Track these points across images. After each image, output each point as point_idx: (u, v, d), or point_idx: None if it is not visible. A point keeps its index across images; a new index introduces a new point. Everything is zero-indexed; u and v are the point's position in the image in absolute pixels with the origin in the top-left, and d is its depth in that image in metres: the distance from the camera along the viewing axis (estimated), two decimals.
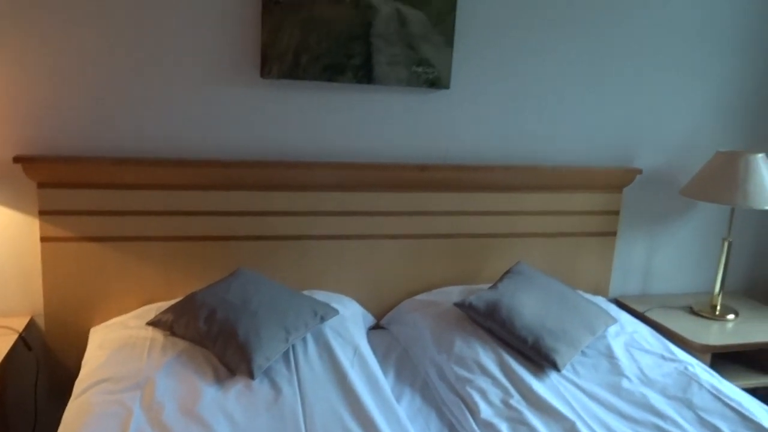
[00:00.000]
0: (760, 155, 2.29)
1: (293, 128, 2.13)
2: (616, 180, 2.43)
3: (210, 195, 2.06)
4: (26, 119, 1.92)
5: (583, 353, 1.96)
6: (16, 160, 1.88)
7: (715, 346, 2.20)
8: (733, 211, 2.39)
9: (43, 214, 1.95)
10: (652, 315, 2.39)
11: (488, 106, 2.29)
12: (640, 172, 2.43)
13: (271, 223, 2.13)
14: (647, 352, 2.02)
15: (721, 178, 2.29)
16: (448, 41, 2.15)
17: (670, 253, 2.63)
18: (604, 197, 2.43)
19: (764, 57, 2.54)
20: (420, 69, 2.15)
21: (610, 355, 1.97)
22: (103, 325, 1.97)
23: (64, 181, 1.94)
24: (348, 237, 2.20)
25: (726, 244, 2.41)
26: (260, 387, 1.63)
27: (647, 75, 2.42)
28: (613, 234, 2.47)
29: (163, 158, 2.03)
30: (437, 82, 2.17)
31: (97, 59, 1.94)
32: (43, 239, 1.95)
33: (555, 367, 1.83)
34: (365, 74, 2.10)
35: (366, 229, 2.22)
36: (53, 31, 1.89)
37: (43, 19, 1.88)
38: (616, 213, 2.46)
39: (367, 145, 2.21)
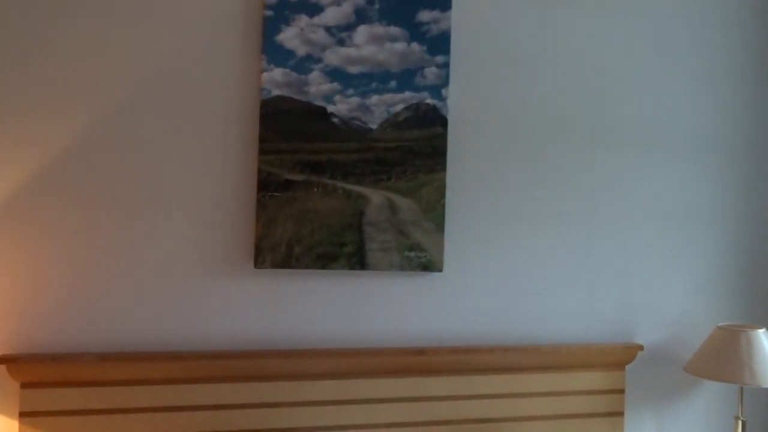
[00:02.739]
0: (761, 330, 2.25)
1: (287, 317, 2.12)
2: (618, 357, 2.37)
3: (200, 388, 1.99)
4: (9, 317, 1.90)
5: None
6: (0, 360, 1.83)
7: None
8: (742, 389, 2.31)
9: (23, 416, 1.86)
10: None
11: (483, 287, 2.29)
12: (641, 348, 2.38)
13: (264, 416, 2.04)
14: None
15: (724, 356, 2.24)
16: (439, 227, 2.19)
17: None
18: (607, 376, 2.36)
19: (759, 231, 2.59)
20: (412, 254, 2.17)
21: None
22: None
23: (48, 380, 1.88)
24: (344, 428, 2.10)
25: (740, 424, 2.30)
26: None
27: (641, 250, 2.45)
28: (621, 414, 2.37)
29: (152, 352, 1.98)
30: (430, 265, 2.19)
31: (84, 252, 1.96)
32: None
33: None
34: (358, 261, 2.12)
35: (363, 419, 2.12)
36: (36, 227, 1.93)
37: (26, 215, 1.92)
38: (621, 392, 2.37)
39: (362, 330, 2.18)
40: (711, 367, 2.26)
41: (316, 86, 2.09)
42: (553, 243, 2.36)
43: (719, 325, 2.35)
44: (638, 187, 2.46)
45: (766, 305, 2.60)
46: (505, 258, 2.31)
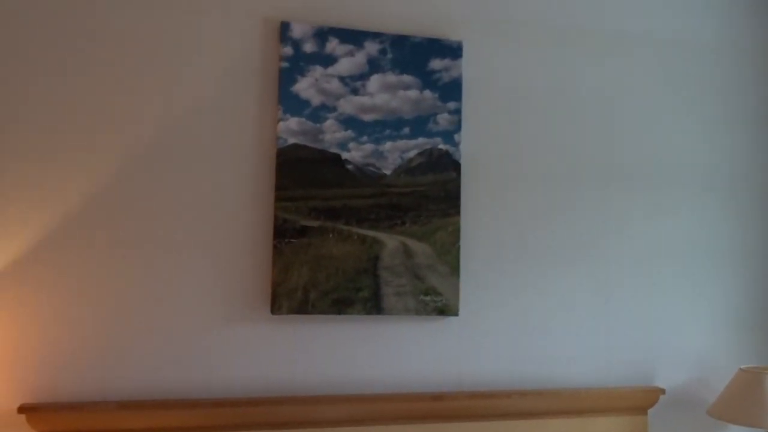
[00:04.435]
0: None
1: (303, 362, 2.12)
2: (639, 401, 2.33)
3: None
4: (29, 365, 1.93)
5: None
6: (21, 410, 1.85)
7: None
8: None
9: None
10: None
11: (499, 330, 2.28)
12: (663, 392, 2.34)
13: None
14: None
15: (748, 399, 2.19)
16: (455, 270, 2.20)
17: None
18: (628, 420, 2.32)
19: None
20: (428, 298, 2.18)
21: None
22: None
23: (67, 429, 1.88)
24: None
25: None
26: None
27: (660, 290, 2.44)
28: None
29: (170, 399, 1.99)
30: (446, 309, 2.19)
31: (103, 300, 1.99)
32: None
33: None
34: (374, 305, 2.13)
35: None
36: (55, 273, 1.97)
37: (46, 264, 1.96)
38: None
39: (378, 375, 2.17)
40: (735, 411, 2.22)
41: (331, 134, 2.14)
42: (570, 284, 2.36)
43: (742, 367, 2.31)
44: (655, 227, 2.45)
45: None
46: (521, 301, 2.31)
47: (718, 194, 2.53)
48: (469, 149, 2.30)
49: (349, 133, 2.16)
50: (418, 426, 2.14)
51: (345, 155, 2.15)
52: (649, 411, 2.36)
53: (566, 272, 2.36)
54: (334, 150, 2.14)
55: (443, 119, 2.24)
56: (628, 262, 2.42)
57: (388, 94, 2.20)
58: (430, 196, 2.22)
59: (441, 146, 2.24)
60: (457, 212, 2.23)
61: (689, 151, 2.51)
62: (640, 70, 2.48)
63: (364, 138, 2.17)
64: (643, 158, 2.46)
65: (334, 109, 2.15)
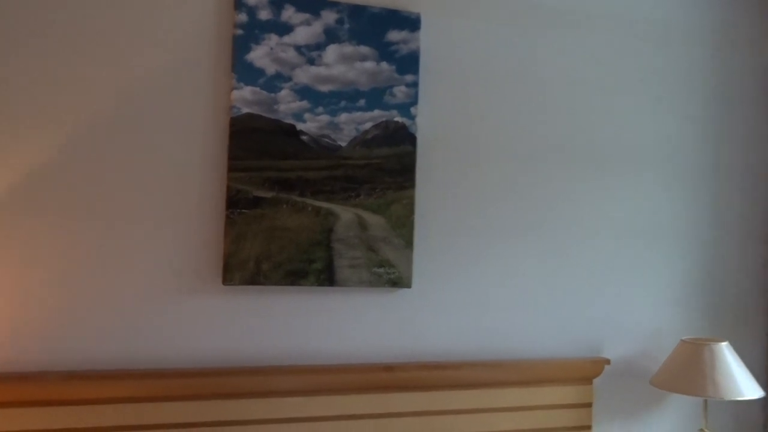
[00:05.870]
0: (724, 344, 2.30)
1: (255, 334, 2.12)
2: (585, 371, 2.40)
3: (168, 407, 1.98)
4: None
5: None
6: None
7: None
8: (706, 401, 2.36)
9: None
10: None
11: (452, 302, 2.31)
12: (608, 362, 2.42)
13: None
14: None
15: (688, 369, 2.28)
16: (408, 243, 2.22)
17: None
18: (575, 390, 2.39)
19: (721, 246, 2.64)
20: (381, 270, 2.19)
21: None
22: None
23: (12, 400, 1.85)
24: None
25: None
26: None
27: (609, 266, 2.50)
28: (588, 428, 2.39)
29: (118, 370, 1.97)
30: (399, 282, 2.21)
31: (48, 270, 1.95)
32: None
33: None
34: (327, 277, 2.13)
35: None
36: (1, 244, 1.92)
37: None
38: (589, 406, 2.40)
39: (331, 347, 2.19)
40: (676, 381, 2.30)
41: (286, 104, 2.12)
42: (522, 259, 2.40)
43: (683, 338, 2.40)
44: (606, 204, 2.50)
45: (729, 319, 2.65)
46: (473, 274, 2.34)
47: (664, 173, 2.59)
48: (426, 123, 2.30)
49: (305, 103, 2.14)
50: (369, 396, 2.17)
51: (300, 126, 2.13)
52: (595, 381, 2.43)
53: (518, 247, 2.40)
54: (289, 120, 2.12)
55: (400, 92, 2.23)
56: (578, 238, 2.47)
57: (344, 65, 2.18)
58: (385, 168, 2.22)
59: (397, 119, 2.23)
60: (413, 185, 2.24)
61: (640, 130, 2.56)
62: (595, 49, 2.50)
63: (320, 109, 2.15)
64: (597, 136, 2.50)
65: (289, 78, 2.12)
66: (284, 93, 2.12)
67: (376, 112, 2.21)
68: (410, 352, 2.27)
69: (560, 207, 2.45)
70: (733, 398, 2.21)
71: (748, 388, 2.24)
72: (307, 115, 2.14)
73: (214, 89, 2.09)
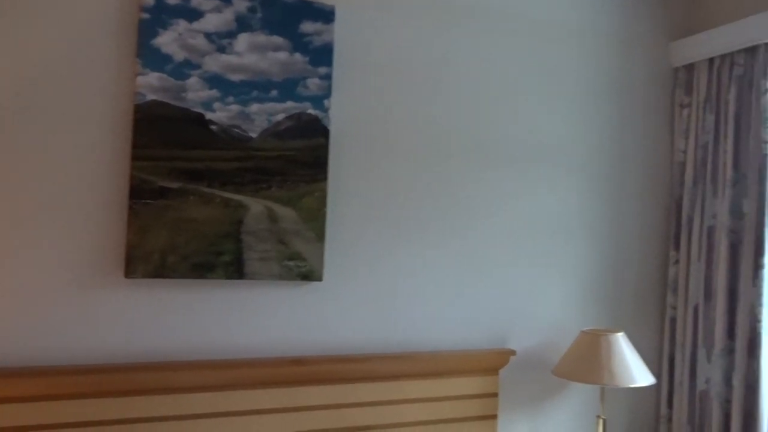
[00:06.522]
0: (620, 334, 2.42)
1: (161, 328, 2.05)
2: (492, 362, 2.47)
3: (68, 404, 1.89)
4: None
5: None
6: None
7: None
8: (603, 389, 2.48)
9: None
10: None
11: (362, 296, 2.32)
12: (513, 353, 2.50)
13: (138, 431, 1.97)
14: None
15: (587, 358, 2.39)
16: (320, 236, 2.21)
17: None
18: (481, 381, 2.45)
19: (620, 242, 2.78)
20: (292, 263, 2.17)
21: None
22: None
23: None
24: None
25: (601, 422, 2.46)
26: None
27: (517, 261, 2.58)
28: (494, 417, 2.47)
29: (14, 368, 1.86)
30: (310, 275, 2.20)
31: None
32: None
33: None
34: (236, 270, 2.10)
35: (241, 431, 2.09)
36: None
37: None
38: (495, 396, 2.47)
39: (240, 341, 2.15)
40: (575, 370, 2.41)
41: (195, 92, 2.06)
42: (433, 253, 2.44)
43: (583, 329, 2.51)
44: (513, 199, 2.58)
45: (626, 310, 2.80)
46: (384, 268, 2.36)
47: (568, 170, 2.69)
48: (339, 116, 2.29)
49: (214, 92, 2.08)
50: (278, 390, 2.15)
51: (209, 115, 2.08)
52: (501, 371, 2.51)
53: (429, 241, 2.43)
54: (197, 109, 2.06)
55: (313, 84, 2.22)
56: (485, 232, 2.53)
57: (256, 54, 2.14)
58: (297, 161, 2.20)
59: (310, 111, 2.21)
60: (325, 178, 2.23)
61: (548, 130, 2.65)
62: (510, 48, 2.57)
63: (230, 98, 2.10)
64: (507, 135, 2.57)
65: (198, 66, 2.06)
66: (193, 81, 2.06)
67: (289, 104, 2.18)
68: (321, 346, 2.26)
69: (468, 201, 2.50)
70: (626, 385, 2.33)
71: (640, 376, 2.37)
72: (216, 105, 2.09)
73: (118, 74, 2.00)
